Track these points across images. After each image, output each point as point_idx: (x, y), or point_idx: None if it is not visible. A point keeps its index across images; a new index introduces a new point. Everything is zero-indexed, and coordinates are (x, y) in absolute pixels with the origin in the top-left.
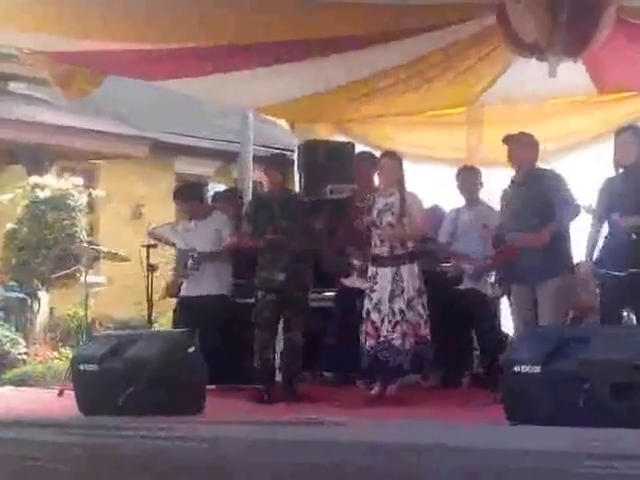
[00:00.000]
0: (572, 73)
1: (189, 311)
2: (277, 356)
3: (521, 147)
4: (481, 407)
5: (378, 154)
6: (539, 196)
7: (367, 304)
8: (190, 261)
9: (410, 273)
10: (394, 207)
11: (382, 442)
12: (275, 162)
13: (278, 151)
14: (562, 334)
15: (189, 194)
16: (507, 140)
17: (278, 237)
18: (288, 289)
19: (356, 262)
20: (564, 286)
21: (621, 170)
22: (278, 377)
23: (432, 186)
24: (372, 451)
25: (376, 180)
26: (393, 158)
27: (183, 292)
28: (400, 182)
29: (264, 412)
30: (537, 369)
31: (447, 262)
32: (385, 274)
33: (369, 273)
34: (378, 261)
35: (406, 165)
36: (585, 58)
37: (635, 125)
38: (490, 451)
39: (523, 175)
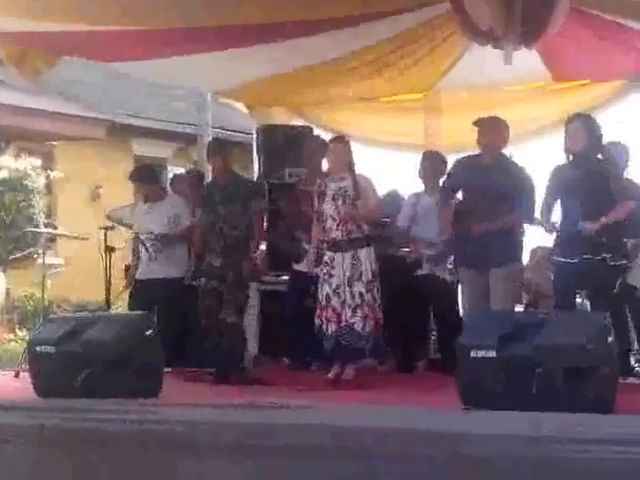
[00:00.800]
0: (529, 60)
1: (144, 294)
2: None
3: (491, 130)
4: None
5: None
6: (503, 186)
7: (327, 289)
8: (146, 242)
9: (368, 257)
10: (348, 191)
11: (342, 425)
12: (212, 149)
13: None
14: (517, 319)
15: (144, 176)
16: (478, 122)
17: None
18: (225, 274)
19: (307, 246)
20: (514, 273)
21: (571, 158)
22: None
23: (390, 171)
24: (333, 434)
25: (325, 164)
26: (342, 142)
27: (138, 275)
28: (350, 166)
29: (219, 395)
30: (492, 354)
31: (406, 247)
32: (343, 258)
33: (325, 258)
34: (335, 246)
35: (364, 150)
36: (540, 46)
37: (584, 114)
38: (444, 435)
39: (490, 158)
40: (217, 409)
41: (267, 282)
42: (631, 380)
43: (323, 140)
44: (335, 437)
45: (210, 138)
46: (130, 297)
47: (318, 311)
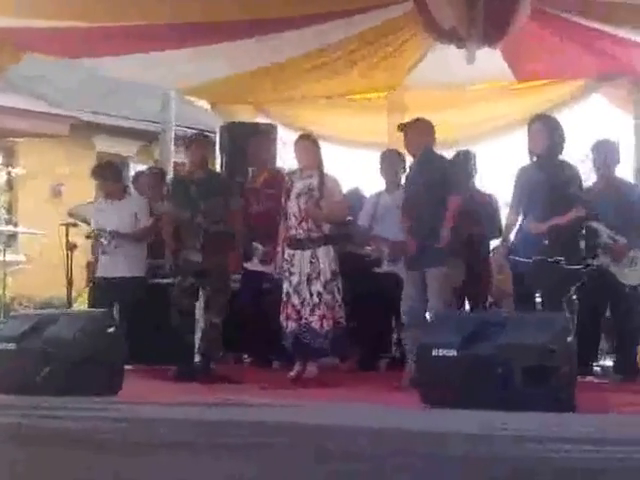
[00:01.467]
0: (492, 60)
1: (104, 292)
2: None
3: (417, 134)
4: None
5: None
6: (435, 184)
7: (287, 287)
8: (104, 240)
9: (327, 255)
10: (313, 190)
11: (303, 423)
12: (196, 141)
13: (199, 130)
14: (478, 319)
15: (107, 173)
16: (403, 128)
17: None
18: (206, 270)
19: (257, 245)
20: (450, 273)
21: (534, 159)
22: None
23: (354, 169)
24: (293, 432)
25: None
26: (309, 140)
27: (98, 273)
28: (319, 165)
29: (182, 392)
30: (453, 353)
31: (367, 245)
32: (302, 256)
33: (285, 255)
34: (295, 244)
35: (327, 148)
36: (503, 46)
37: (546, 115)
38: (404, 433)
39: (419, 159)
40: (179, 407)
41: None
42: (589, 379)
43: (269, 136)
44: (295, 435)
45: (173, 135)
46: (90, 294)
47: (281, 308)
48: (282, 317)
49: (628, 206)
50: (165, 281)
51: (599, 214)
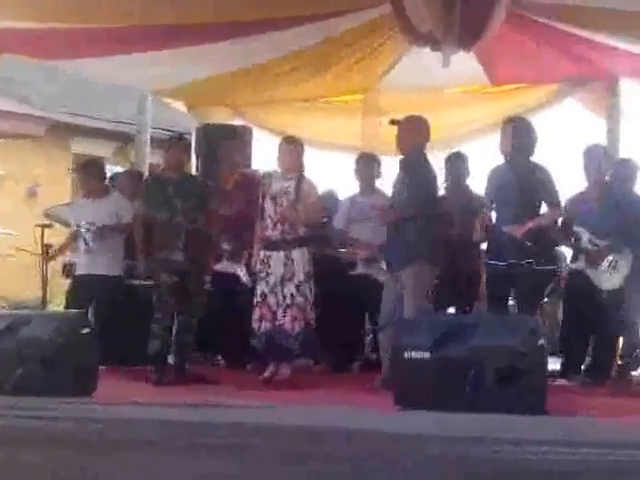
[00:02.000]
0: (467, 64)
1: (83, 290)
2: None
3: (408, 132)
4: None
5: (275, 139)
6: (420, 186)
7: (263, 287)
8: (90, 235)
9: (301, 257)
10: (290, 192)
11: (276, 425)
12: (175, 144)
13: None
14: (451, 321)
15: (91, 170)
16: (396, 123)
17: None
18: (187, 269)
19: (226, 247)
20: (422, 273)
21: (505, 160)
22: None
23: (329, 172)
24: (267, 433)
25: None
26: (292, 143)
27: (78, 271)
28: (300, 168)
29: (157, 393)
30: (426, 355)
31: (342, 248)
32: (277, 258)
33: (261, 256)
34: (270, 245)
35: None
36: (478, 49)
37: (518, 117)
38: (377, 435)
39: (407, 159)
40: (155, 407)
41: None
42: (562, 382)
43: (244, 138)
44: (271, 437)
45: (149, 137)
46: (68, 293)
47: (254, 309)
48: (255, 317)
49: (617, 212)
50: (137, 282)
51: (584, 218)
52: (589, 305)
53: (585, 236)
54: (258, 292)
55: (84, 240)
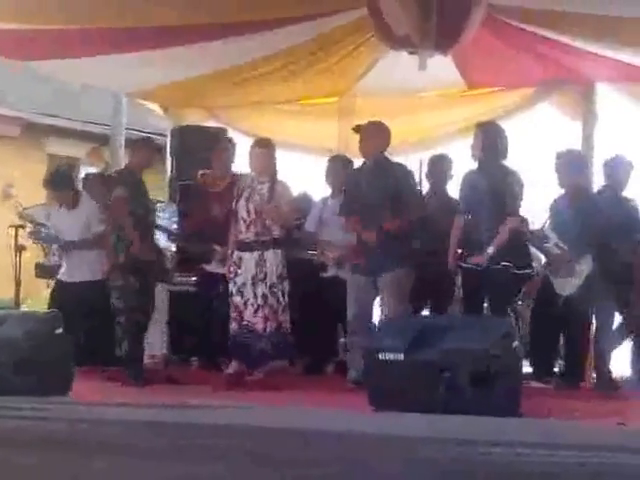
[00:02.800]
0: (444, 67)
1: (64, 296)
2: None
3: (371, 137)
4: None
5: (250, 141)
6: (388, 188)
7: (231, 288)
8: (56, 247)
9: (274, 259)
10: (264, 194)
11: (250, 425)
12: (140, 144)
13: (148, 134)
14: (425, 323)
15: (58, 182)
16: (358, 130)
17: None
18: (152, 269)
19: (217, 248)
20: (402, 277)
21: (477, 164)
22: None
23: (304, 174)
24: (241, 434)
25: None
26: (265, 146)
27: (60, 276)
28: (272, 170)
29: (131, 394)
30: (400, 357)
31: (314, 250)
32: (250, 259)
33: (233, 258)
34: (243, 246)
35: (278, 153)
36: (455, 53)
37: (490, 122)
38: (352, 436)
39: (372, 163)
40: (129, 408)
41: (177, 283)
42: (537, 384)
43: (230, 140)
44: (245, 438)
45: (123, 138)
46: (50, 298)
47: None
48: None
49: (587, 217)
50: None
51: (557, 223)
52: (553, 309)
53: (552, 240)
54: (228, 292)
55: (55, 252)
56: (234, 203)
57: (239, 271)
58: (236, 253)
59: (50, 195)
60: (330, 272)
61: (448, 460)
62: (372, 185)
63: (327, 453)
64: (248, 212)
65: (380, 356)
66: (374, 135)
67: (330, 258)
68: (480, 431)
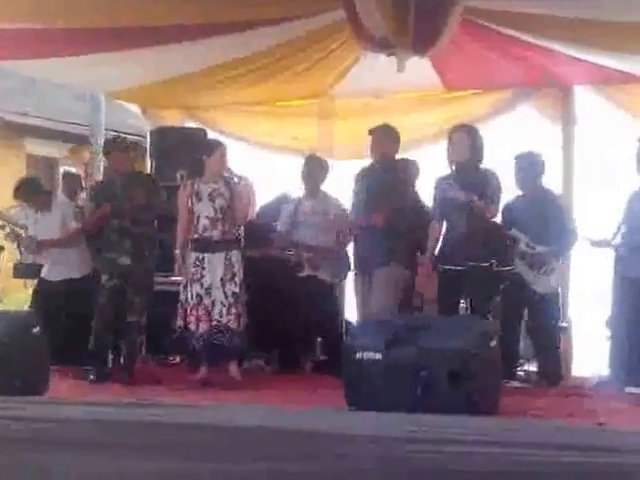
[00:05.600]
0: (421, 69)
1: (44, 294)
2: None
3: (377, 139)
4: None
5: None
6: (394, 186)
7: (197, 289)
8: (25, 248)
9: (238, 258)
10: (224, 193)
11: (221, 425)
12: (116, 145)
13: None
14: (403, 323)
15: (27, 192)
16: (373, 132)
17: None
18: (132, 272)
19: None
20: (394, 275)
21: (454, 167)
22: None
23: (284, 175)
24: (216, 433)
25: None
26: (222, 147)
27: (42, 274)
28: (225, 168)
29: (104, 393)
30: (378, 356)
31: (289, 250)
32: (215, 259)
33: (193, 258)
34: (208, 246)
35: (257, 153)
36: (433, 55)
37: (468, 125)
38: (329, 435)
39: (380, 164)
40: (102, 407)
41: (158, 282)
42: (515, 383)
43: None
44: (218, 436)
45: (103, 139)
46: (32, 297)
47: (182, 312)
48: (190, 320)
49: (550, 217)
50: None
51: (521, 223)
52: (528, 308)
53: (523, 240)
54: (192, 294)
55: (25, 252)
56: (190, 203)
57: (204, 272)
58: (196, 254)
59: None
60: (305, 272)
61: (425, 459)
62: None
63: (303, 451)
64: (215, 210)
65: (358, 355)
66: (379, 138)
67: (305, 259)
68: (457, 430)
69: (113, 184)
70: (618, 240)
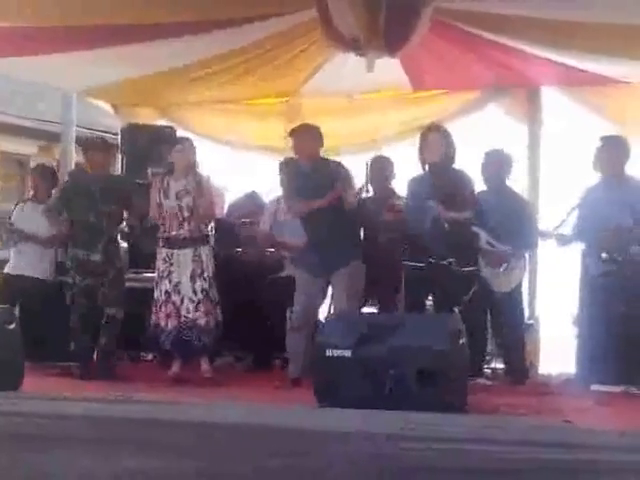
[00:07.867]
0: (391, 69)
1: (11, 289)
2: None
3: (307, 140)
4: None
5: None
6: (328, 184)
7: (166, 286)
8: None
9: (208, 254)
10: (190, 191)
11: (193, 421)
12: (95, 145)
13: (99, 134)
14: (373, 320)
15: (46, 176)
16: (292, 133)
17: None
18: (104, 270)
19: None
20: (354, 274)
21: (427, 168)
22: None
23: (252, 173)
24: (187, 429)
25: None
26: (182, 143)
27: (7, 269)
28: (193, 166)
29: (80, 389)
30: (347, 353)
31: (269, 249)
32: (184, 255)
33: (163, 255)
34: (177, 243)
35: (226, 152)
36: (402, 55)
37: (438, 125)
38: (297, 432)
39: (311, 165)
40: (78, 402)
41: (129, 279)
42: (482, 381)
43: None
44: (190, 433)
45: (74, 136)
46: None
47: (154, 308)
48: (160, 316)
49: (513, 214)
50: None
51: (483, 220)
52: (489, 307)
53: (483, 237)
54: (161, 291)
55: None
56: (158, 200)
57: (172, 269)
58: (166, 250)
59: (30, 183)
60: (287, 271)
61: (393, 456)
62: (313, 183)
63: (271, 448)
64: (182, 208)
65: (327, 352)
66: (306, 138)
67: (285, 256)
68: (426, 427)
69: (88, 185)
70: (566, 231)
